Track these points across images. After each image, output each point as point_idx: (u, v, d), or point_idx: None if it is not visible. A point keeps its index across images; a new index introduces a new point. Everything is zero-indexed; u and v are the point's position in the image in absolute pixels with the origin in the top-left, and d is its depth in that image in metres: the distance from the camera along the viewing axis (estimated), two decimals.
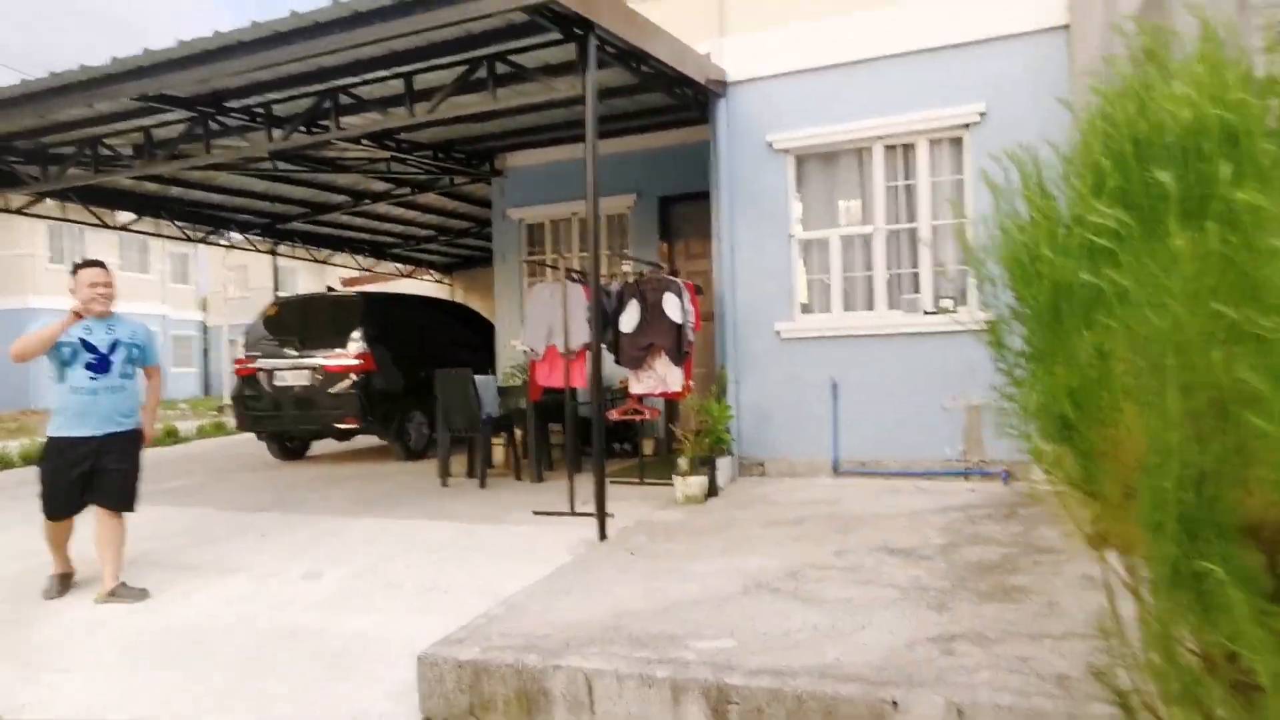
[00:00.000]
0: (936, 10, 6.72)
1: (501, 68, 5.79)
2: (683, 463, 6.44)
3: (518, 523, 5.97)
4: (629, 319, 6.83)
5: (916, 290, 6.96)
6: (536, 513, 6.19)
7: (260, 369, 9.52)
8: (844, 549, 4.61)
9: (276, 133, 6.62)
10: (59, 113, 6.84)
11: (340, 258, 15.15)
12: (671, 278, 6.86)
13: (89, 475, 4.64)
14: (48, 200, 9.75)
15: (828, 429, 7.10)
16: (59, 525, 4.74)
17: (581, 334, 6.75)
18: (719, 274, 7.43)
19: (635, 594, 3.96)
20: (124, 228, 10.59)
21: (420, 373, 9.97)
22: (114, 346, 4.73)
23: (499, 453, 8.83)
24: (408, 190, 11.02)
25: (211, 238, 12.02)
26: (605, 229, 9.79)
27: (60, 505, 4.67)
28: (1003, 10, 6.52)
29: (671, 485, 6.79)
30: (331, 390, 9.17)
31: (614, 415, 7.29)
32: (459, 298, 17.59)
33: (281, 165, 9.15)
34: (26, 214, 9.54)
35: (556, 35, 5.64)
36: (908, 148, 6.99)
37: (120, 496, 4.76)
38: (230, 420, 16.90)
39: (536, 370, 7.09)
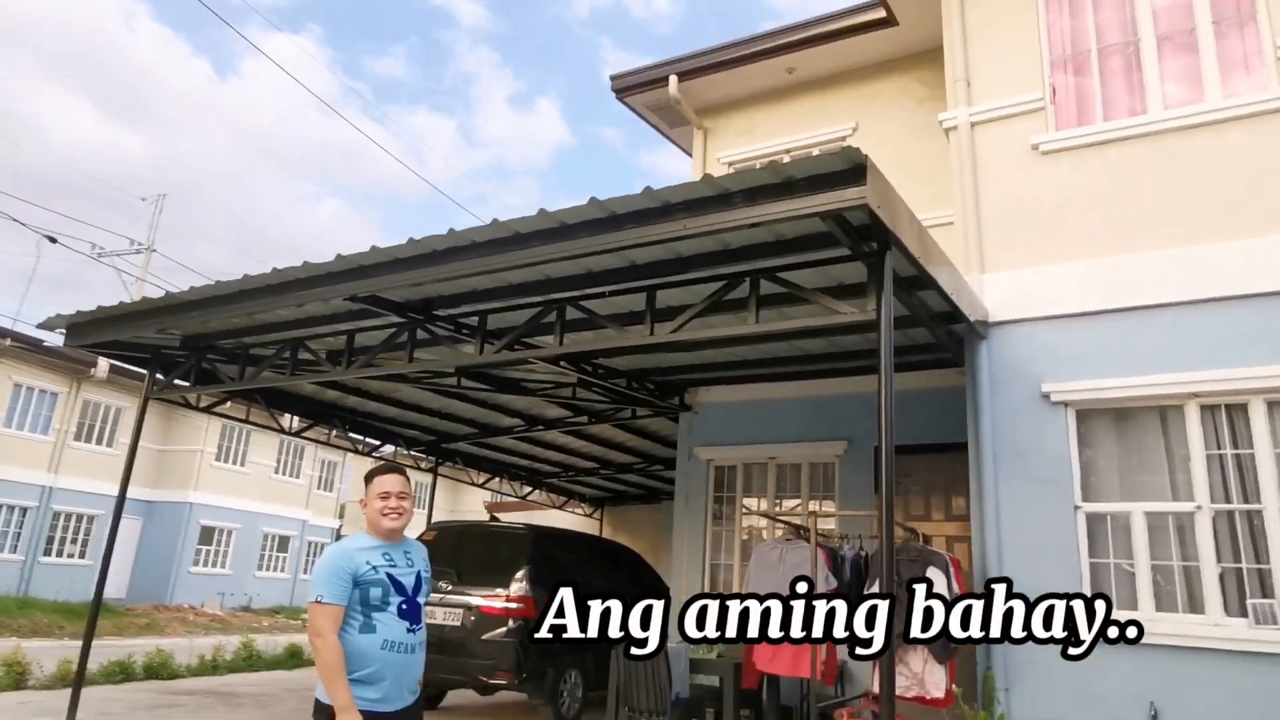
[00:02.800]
0: (1262, 251, 5.52)
1: (768, 287, 4.87)
2: None
3: None
4: None
5: (1267, 593, 5.20)
6: None
7: None
8: None
9: (489, 345, 5.87)
10: (268, 313, 6.42)
11: (494, 482, 14.39)
12: (935, 550, 5.41)
13: None
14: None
15: None
16: None
17: None
18: (979, 546, 5.91)
19: None
20: (298, 434, 10.15)
21: None
22: (419, 583, 3.61)
23: None
24: (584, 419, 10.22)
25: (377, 451, 11.46)
26: (808, 478, 8.54)
27: None
28: None
29: None
30: (485, 636, 7.84)
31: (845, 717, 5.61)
32: (606, 534, 16.35)
33: (466, 382, 8.53)
34: (214, 413, 9.19)
35: (840, 252, 4.74)
36: (1236, 409, 5.54)
37: None
38: None
39: (757, 651, 5.59)
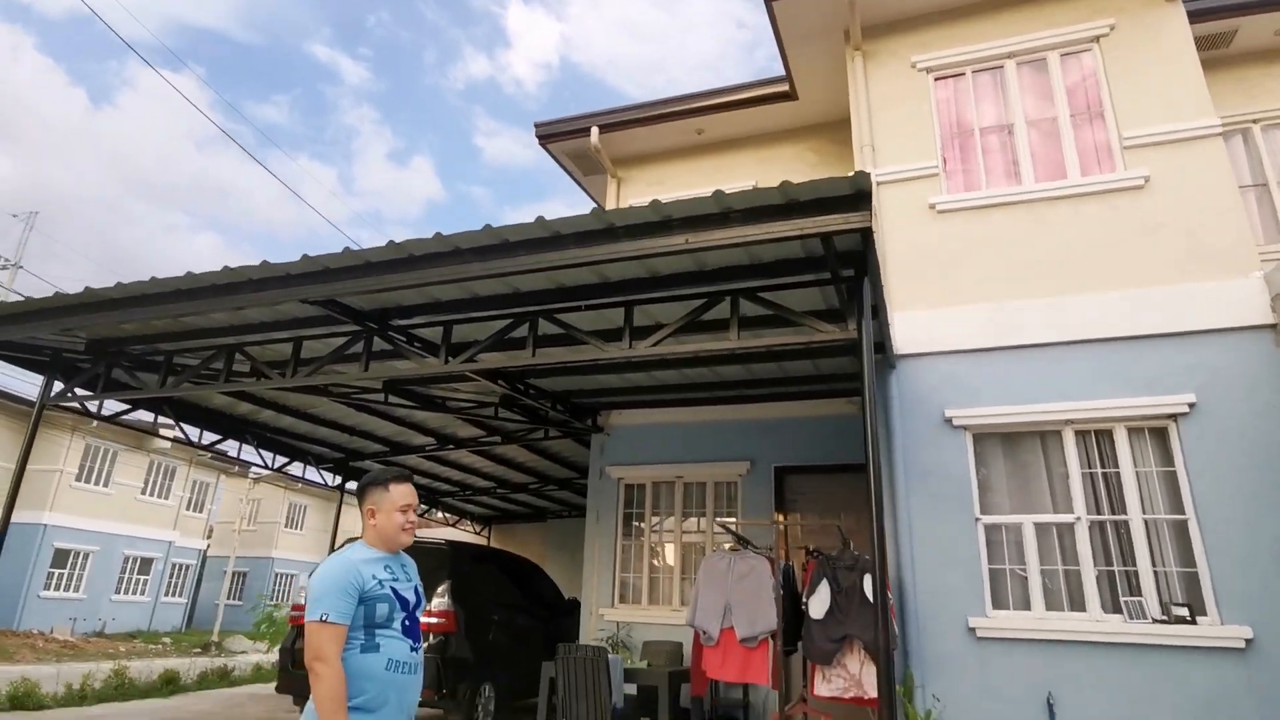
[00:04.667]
0: (1132, 301, 5.80)
1: (748, 307, 4.53)
2: None
3: None
4: (819, 603, 5.05)
5: (1135, 592, 5.33)
6: None
7: None
8: None
9: (453, 357, 5.13)
10: (201, 316, 5.41)
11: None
12: (869, 557, 5.17)
13: None
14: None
15: None
16: None
17: (768, 618, 4.92)
18: (893, 556, 5.77)
19: None
20: (209, 448, 8.72)
21: (489, 636, 7.79)
22: (418, 599, 2.99)
23: None
24: (496, 439, 9.46)
25: (286, 469, 10.09)
26: (713, 495, 8.22)
27: None
28: (1206, 305, 5.60)
29: None
30: None
31: None
32: None
33: (392, 399, 7.64)
34: (119, 423, 7.66)
35: (807, 277, 4.49)
36: (1103, 434, 5.73)
37: None
38: (243, 662, 13.76)
39: (706, 658, 5.11)
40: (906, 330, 6.26)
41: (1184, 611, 5.10)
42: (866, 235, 3.67)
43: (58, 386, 6.56)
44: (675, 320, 4.61)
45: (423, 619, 7.13)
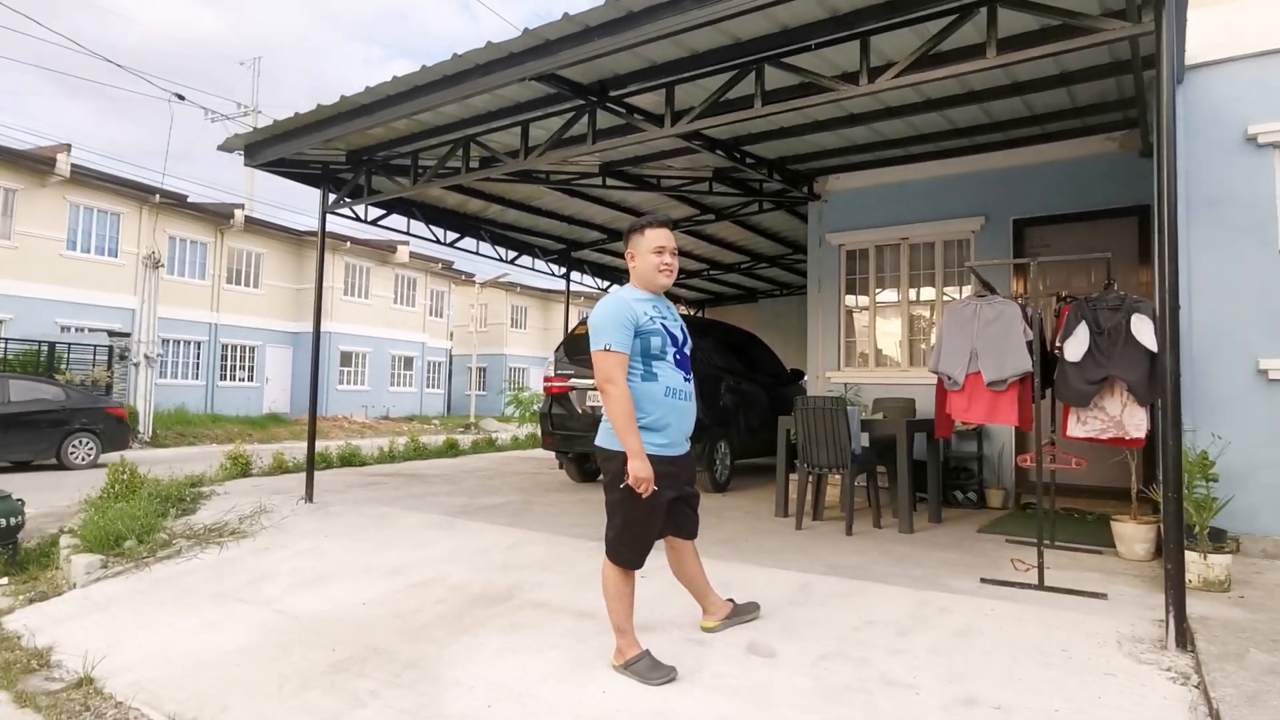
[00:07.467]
0: None
1: (1003, 22, 3.96)
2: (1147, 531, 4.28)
3: (968, 592, 4.01)
4: (1075, 346, 4.78)
5: None
6: (985, 580, 4.23)
7: (574, 388, 8.16)
8: None
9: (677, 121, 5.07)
10: (433, 111, 5.73)
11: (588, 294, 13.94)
12: (1140, 298, 4.74)
13: (669, 505, 3.20)
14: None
15: None
16: (631, 579, 3.20)
17: (1018, 361, 4.78)
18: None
19: None
20: (452, 244, 9.66)
21: (721, 402, 8.34)
22: (685, 336, 3.28)
23: (831, 493, 6.97)
24: (709, 218, 9.49)
25: (516, 262, 10.97)
26: (942, 256, 7.81)
27: (649, 546, 3.17)
28: None
29: (1089, 550, 4.98)
30: None
31: (1026, 463, 5.21)
32: None
33: (609, 182, 7.84)
34: (379, 225, 8.63)
35: None
36: None
37: (698, 522, 3.43)
38: (500, 436, 16.15)
39: (952, 402, 5.14)
40: (1201, 33, 5.18)
41: None
42: None
43: (331, 198, 7.43)
44: (914, 51, 4.15)
45: None
